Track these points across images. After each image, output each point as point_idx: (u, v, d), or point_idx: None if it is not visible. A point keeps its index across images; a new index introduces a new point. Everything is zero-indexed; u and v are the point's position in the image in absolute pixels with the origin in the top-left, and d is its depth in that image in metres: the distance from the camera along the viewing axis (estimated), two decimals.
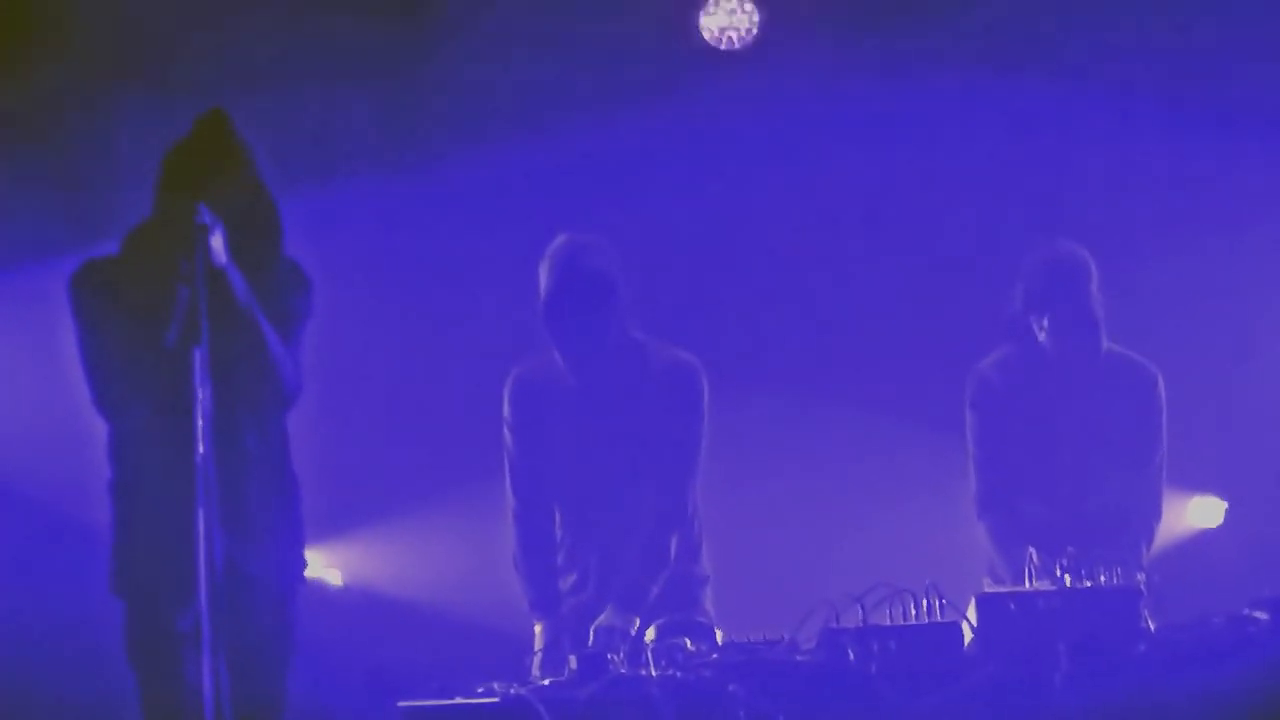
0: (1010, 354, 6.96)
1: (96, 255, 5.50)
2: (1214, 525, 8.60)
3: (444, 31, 8.61)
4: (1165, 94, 8.41)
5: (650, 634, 6.01)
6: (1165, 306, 8.24)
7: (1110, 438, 6.88)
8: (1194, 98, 8.40)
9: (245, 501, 5.38)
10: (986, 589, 5.81)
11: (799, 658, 5.60)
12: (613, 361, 6.65)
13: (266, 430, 5.52)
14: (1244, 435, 8.41)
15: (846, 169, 8.53)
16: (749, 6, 8.68)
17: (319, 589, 8.41)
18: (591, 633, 6.33)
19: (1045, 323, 6.83)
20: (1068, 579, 5.73)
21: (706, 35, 8.71)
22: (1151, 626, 5.67)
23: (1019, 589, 5.78)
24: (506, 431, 6.78)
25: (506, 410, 6.77)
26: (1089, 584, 5.70)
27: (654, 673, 5.59)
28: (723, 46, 8.70)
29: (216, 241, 5.23)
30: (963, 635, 5.61)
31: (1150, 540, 6.85)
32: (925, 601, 5.60)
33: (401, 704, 5.63)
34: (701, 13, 8.71)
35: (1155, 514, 6.89)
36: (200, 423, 5.06)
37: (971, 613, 5.63)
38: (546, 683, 5.69)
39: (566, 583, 6.71)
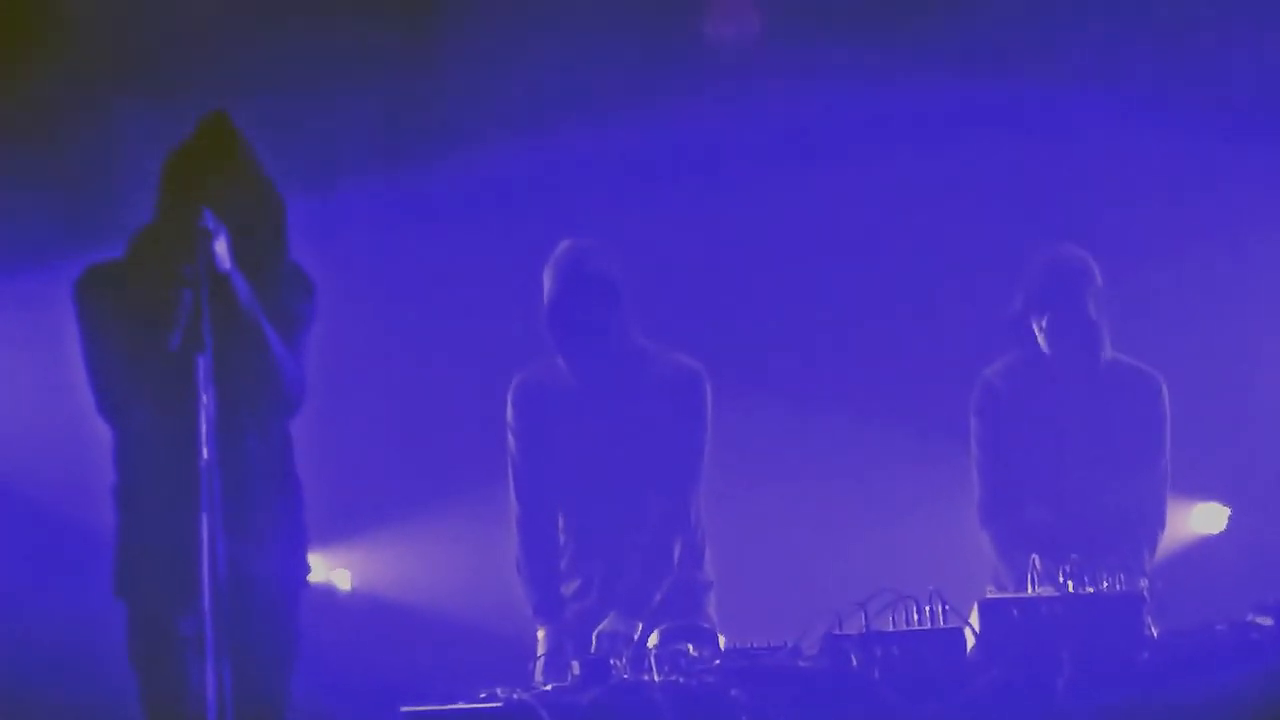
0: (1015, 361, 6.96)
1: (100, 259, 5.50)
2: (1217, 531, 8.59)
3: (447, 36, 8.60)
4: (1169, 98, 8.40)
5: (653, 639, 6.00)
6: (1168, 312, 8.23)
7: (1114, 445, 6.88)
8: (1198, 102, 8.39)
9: (248, 505, 5.37)
10: (989, 595, 5.79)
11: (802, 663, 5.60)
12: (616, 367, 6.65)
13: (269, 434, 5.52)
14: (1247, 441, 8.40)
15: (850, 174, 8.52)
16: (751, 10, 8.68)
17: (322, 593, 8.41)
18: (594, 638, 6.33)
19: (1044, 323, 6.84)
20: (1070, 585, 5.73)
21: (709, 39, 8.70)
22: (1154, 633, 5.68)
23: (1022, 595, 5.77)
24: (510, 437, 6.78)
25: (510, 416, 6.78)
26: (1092, 590, 5.70)
27: (657, 678, 5.59)
28: (725, 51, 8.69)
29: (220, 246, 5.23)
30: (965, 641, 5.61)
31: (1154, 547, 6.85)
32: (928, 607, 5.60)
33: (404, 709, 5.64)
34: (704, 16, 8.70)
35: (1159, 521, 6.88)
36: (204, 427, 5.06)
37: (974, 619, 5.63)
38: (549, 688, 5.69)
39: (570, 588, 6.71)
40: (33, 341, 7.77)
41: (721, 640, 6.04)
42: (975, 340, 7.41)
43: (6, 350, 8.17)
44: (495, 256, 8.39)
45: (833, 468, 8.46)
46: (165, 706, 5.39)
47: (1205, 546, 8.51)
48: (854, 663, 5.51)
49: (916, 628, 5.58)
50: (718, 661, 5.67)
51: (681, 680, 5.57)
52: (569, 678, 5.69)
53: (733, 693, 5.50)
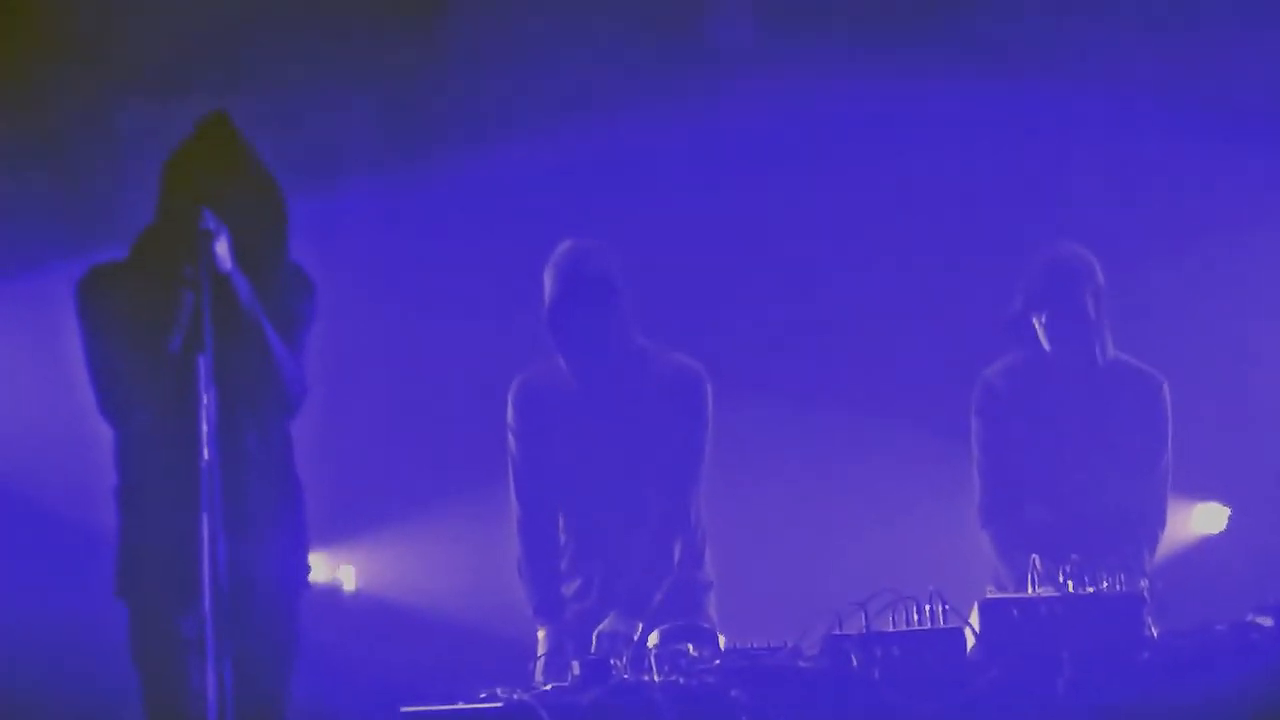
0: (1016, 361, 6.96)
1: (101, 260, 5.50)
2: (1217, 531, 8.59)
3: (448, 35, 8.61)
4: (1171, 98, 8.40)
5: (653, 639, 6.00)
6: (1168, 312, 8.23)
7: (1115, 445, 6.88)
8: (1200, 102, 8.39)
9: (249, 506, 5.37)
10: (990, 595, 5.79)
11: (802, 663, 5.60)
12: (616, 367, 6.66)
13: (270, 434, 5.52)
14: (1247, 441, 8.40)
15: (850, 173, 8.52)
16: (752, 10, 8.68)
17: (322, 593, 8.40)
18: (594, 638, 6.33)
19: (1044, 320, 6.84)
20: (1071, 585, 5.73)
21: (710, 39, 8.70)
22: (1154, 633, 5.67)
23: (1022, 595, 5.77)
24: (511, 437, 6.79)
25: (511, 416, 6.78)
26: (1092, 590, 5.70)
27: (657, 678, 5.59)
28: (725, 52, 8.69)
29: (221, 247, 5.24)
30: (966, 641, 5.61)
31: (1154, 547, 6.85)
32: (928, 607, 5.60)
33: (405, 709, 5.63)
34: (705, 16, 8.70)
35: (1159, 521, 6.88)
36: (205, 427, 5.07)
37: (974, 619, 5.63)
38: (549, 688, 5.69)
39: (570, 588, 6.71)
40: (34, 342, 7.78)
41: (721, 640, 6.03)
42: (976, 340, 7.41)
43: (8, 351, 8.17)
44: (496, 256, 8.39)
45: (833, 468, 8.46)
46: (166, 706, 5.39)
47: (1205, 547, 8.51)
48: (854, 663, 5.51)
49: (917, 628, 5.58)
50: (718, 662, 5.66)
51: (681, 680, 5.56)
52: (569, 678, 5.69)
53: (733, 693, 5.50)
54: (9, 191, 8.13)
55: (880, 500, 8.38)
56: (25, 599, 7.98)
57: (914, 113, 8.50)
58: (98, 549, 5.62)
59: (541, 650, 6.56)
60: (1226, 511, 8.59)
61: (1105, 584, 5.71)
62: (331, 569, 8.63)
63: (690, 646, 5.78)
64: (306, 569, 5.61)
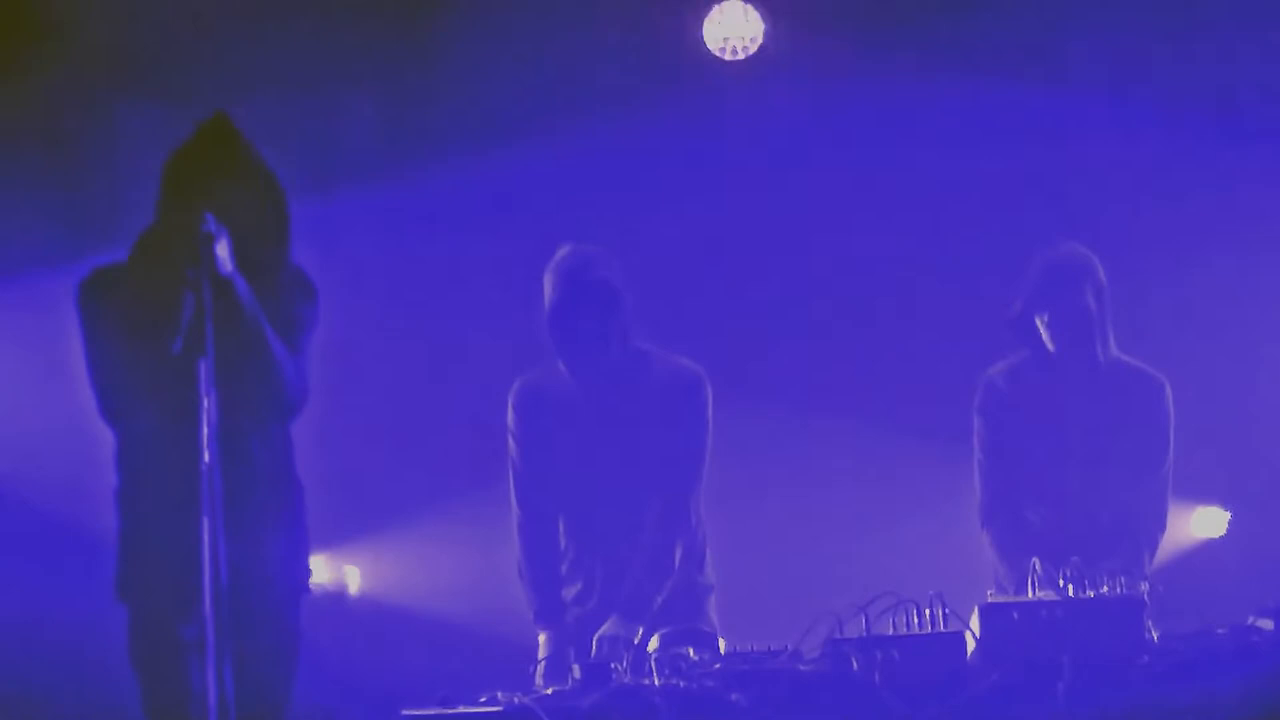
0: (1019, 362, 6.97)
1: (102, 262, 5.51)
2: (1217, 535, 8.59)
3: (447, 39, 8.61)
4: (1174, 100, 8.40)
5: (654, 643, 6.01)
6: (1169, 314, 8.23)
7: (1117, 447, 6.88)
8: (1203, 104, 8.40)
9: (250, 509, 5.37)
10: (990, 599, 5.79)
11: (802, 667, 5.59)
12: (617, 371, 6.65)
13: (271, 438, 5.53)
14: (1248, 444, 8.40)
15: (851, 177, 8.53)
16: (753, 14, 8.68)
17: (323, 596, 8.40)
18: (595, 642, 6.32)
19: (1045, 318, 6.85)
20: (1071, 589, 5.73)
21: (710, 43, 8.71)
22: (1155, 636, 5.67)
23: (1022, 599, 5.77)
24: (511, 441, 6.79)
25: (511, 420, 6.78)
26: (1092, 594, 5.70)
27: (657, 682, 5.58)
28: (727, 55, 8.70)
29: (222, 249, 5.24)
30: (966, 645, 5.60)
31: (1154, 550, 6.85)
32: (929, 611, 5.59)
33: (405, 712, 5.63)
34: (705, 21, 8.71)
35: (1160, 524, 6.88)
36: (205, 430, 5.07)
37: (975, 622, 5.63)
38: (550, 692, 5.69)
39: (571, 592, 6.72)
40: (34, 344, 7.78)
41: (722, 644, 6.05)
42: (978, 342, 7.41)
43: (8, 353, 8.17)
44: (496, 259, 8.40)
45: (833, 471, 8.46)
46: (167, 710, 5.39)
47: (1205, 550, 8.52)
48: (855, 666, 5.50)
49: (917, 631, 5.57)
50: (718, 665, 5.66)
51: (682, 684, 5.56)
52: (569, 681, 5.69)
53: (733, 696, 5.49)
54: (9, 193, 8.13)
55: (881, 503, 8.39)
56: (25, 601, 7.99)
57: (915, 116, 8.50)
58: (98, 551, 5.62)
59: (542, 654, 6.56)
60: (1227, 514, 8.59)
61: (1105, 588, 5.70)
62: (332, 572, 8.63)
63: (691, 650, 5.79)
64: (307, 572, 5.61)
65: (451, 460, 8.41)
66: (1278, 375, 8.46)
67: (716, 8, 8.68)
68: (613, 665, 5.66)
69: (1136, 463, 6.88)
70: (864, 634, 5.56)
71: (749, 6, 8.66)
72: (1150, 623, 5.66)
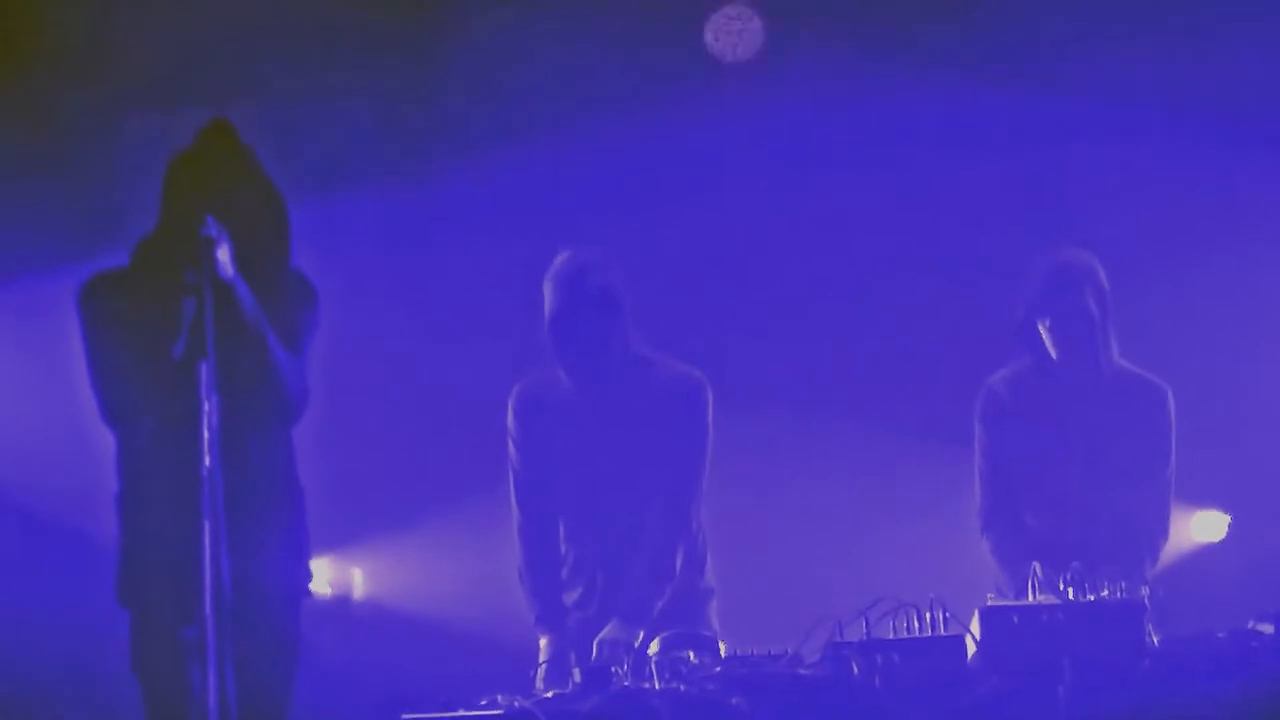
0: (1020, 369, 6.97)
1: (104, 267, 5.51)
2: (1217, 539, 8.58)
3: (449, 44, 8.61)
4: (1176, 105, 8.39)
5: (654, 647, 6.01)
6: (1168, 319, 8.22)
7: (1119, 454, 6.88)
8: (1204, 109, 8.39)
9: (251, 513, 5.37)
10: (990, 602, 5.79)
11: (803, 671, 5.59)
12: (617, 376, 6.66)
13: (272, 441, 5.53)
14: (1248, 448, 8.39)
15: (852, 181, 8.52)
16: (753, 17, 8.68)
17: (324, 600, 8.41)
18: (595, 645, 6.33)
19: (1048, 324, 6.85)
20: (1071, 593, 5.73)
21: (711, 47, 8.71)
22: (1155, 640, 5.67)
23: (1023, 602, 5.77)
24: (511, 445, 6.79)
25: (511, 424, 6.78)
26: (1092, 598, 5.70)
27: (657, 685, 5.58)
28: (727, 58, 8.70)
29: (223, 253, 5.25)
30: (966, 649, 5.60)
31: (1156, 557, 6.84)
32: (929, 615, 5.60)
33: (406, 716, 5.63)
34: (706, 24, 8.71)
35: (1162, 531, 6.88)
36: (206, 434, 5.07)
37: (975, 626, 5.63)
38: (550, 695, 5.69)
39: (571, 596, 6.72)
40: (36, 349, 7.79)
41: (722, 648, 6.05)
42: (979, 348, 7.41)
43: (10, 357, 8.18)
44: (498, 263, 8.39)
45: (834, 475, 8.45)
46: (168, 714, 5.40)
47: (1206, 554, 8.51)
48: (855, 670, 5.51)
49: (918, 635, 5.57)
50: (719, 669, 5.66)
51: (682, 688, 5.56)
52: (570, 685, 5.69)
53: (734, 700, 5.50)
54: (12, 198, 8.13)
55: (881, 508, 8.38)
56: (26, 606, 7.99)
57: (915, 118, 8.50)
58: (99, 556, 5.63)
59: (543, 657, 6.56)
60: (1227, 519, 8.59)
61: (1106, 591, 5.70)
62: (332, 575, 8.63)
63: (691, 654, 5.78)
64: (308, 575, 5.62)
65: (452, 463, 8.40)
66: (1278, 378, 8.45)
67: (718, 10, 8.68)
68: (613, 669, 5.66)
69: (1138, 469, 6.88)
70: (864, 638, 5.56)
71: (751, 9, 8.66)
72: (1150, 627, 5.66)
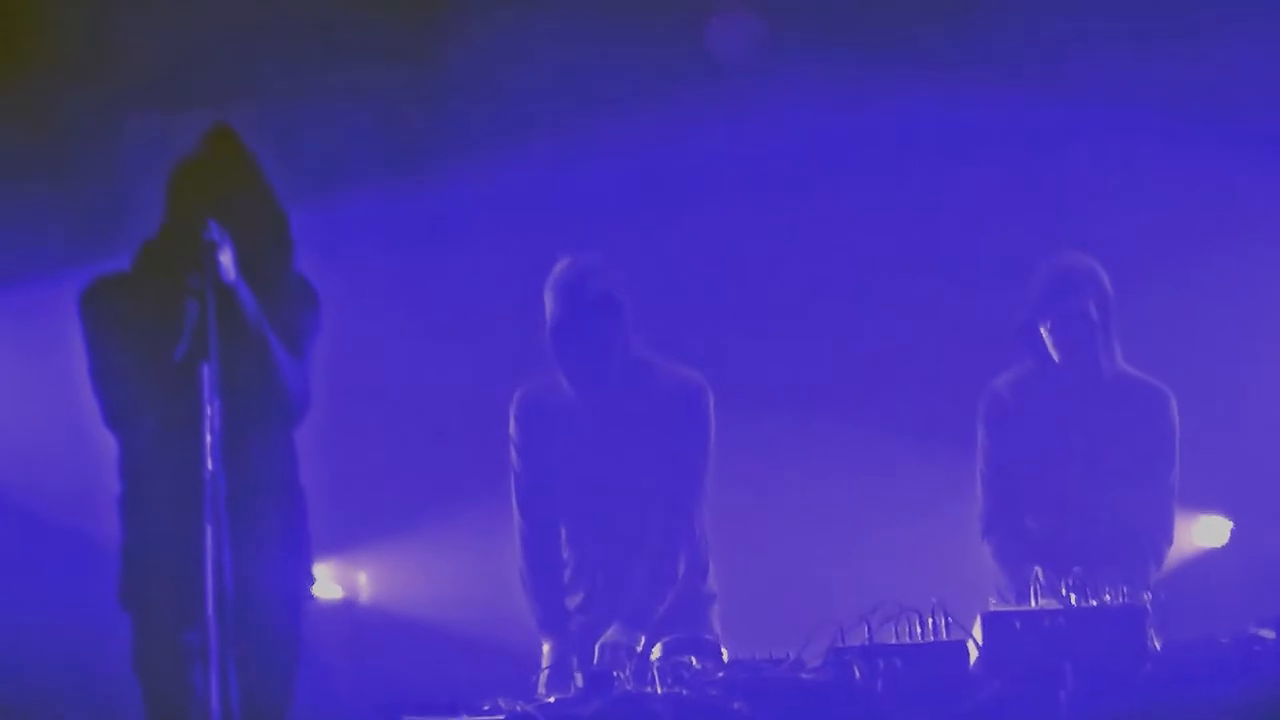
0: (1023, 373, 6.97)
1: (106, 270, 5.52)
2: (1220, 544, 8.58)
3: (451, 47, 8.61)
4: (1177, 108, 8.39)
5: (656, 651, 6.00)
6: (1168, 319, 8.22)
7: (1122, 458, 6.88)
8: (1205, 112, 8.39)
9: (253, 516, 5.38)
10: (992, 607, 5.79)
11: (805, 676, 5.59)
12: (618, 381, 6.65)
13: (274, 444, 5.54)
14: (1250, 453, 8.39)
15: (852, 182, 8.52)
16: (754, 21, 8.68)
17: (326, 604, 8.41)
18: (597, 650, 6.32)
19: (1049, 327, 6.85)
20: (1073, 598, 5.73)
21: (712, 49, 8.71)
22: (1157, 645, 5.67)
23: (1024, 607, 5.77)
24: (513, 450, 6.78)
25: (513, 429, 6.78)
26: (1094, 603, 5.70)
27: (659, 690, 5.59)
28: (728, 61, 8.70)
29: (225, 257, 5.25)
30: (968, 654, 5.60)
31: (1159, 562, 6.84)
32: (931, 620, 5.60)
33: (407, 719, 5.64)
34: (707, 27, 8.71)
35: (1166, 536, 6.88)
36: (208, 437, 5.07)
37: (977, 631, 5.63)
38: (552, 699, 5.70)
39: (573, 601, 6.71)
40: (38, 352, 7.78)
41: (724, 652, 6.05)
42: (979, 349, 7.41)
43: (12, 360, 8.18)
44: (498, 264, 8.39)
45: (836, 480, 8.45)
46: (169, 717, 5.40)
47: (1208, 559, 8.50)
48: (857, 675, 5.51)
49: (919, 640, 5.57)
50: (721, 674, 5.66)
51: (684, 692, 5.56)
52: (572, 690, 5.70)
53: (736, 705, 5.50)
54: (13, 201, 8.14)
55: (884, 512, 8.38)
56: (27, 608, 7.99)
57: (916, 121, 8.49)
58: (100, 558, 5.63)
59: (545, 662, 6.55)
60: (1229, 524, 8.59)
61: (1107, 596, 5.70)
62: (334, 579, 8.63)
63: (693, 658, 5.79)
64: (310, 579, 5.62)
65: (453, 466, 8.40)
66: (1279, 383, 8.45)
67: (719, 14, 8.68)
68: (615, 673, 5.66)
69: (1141, 474, 6.87)
70: (866, 642, 5.56)
71: (752, 13, 8.66)
72: (1153, 631, 5.66)
